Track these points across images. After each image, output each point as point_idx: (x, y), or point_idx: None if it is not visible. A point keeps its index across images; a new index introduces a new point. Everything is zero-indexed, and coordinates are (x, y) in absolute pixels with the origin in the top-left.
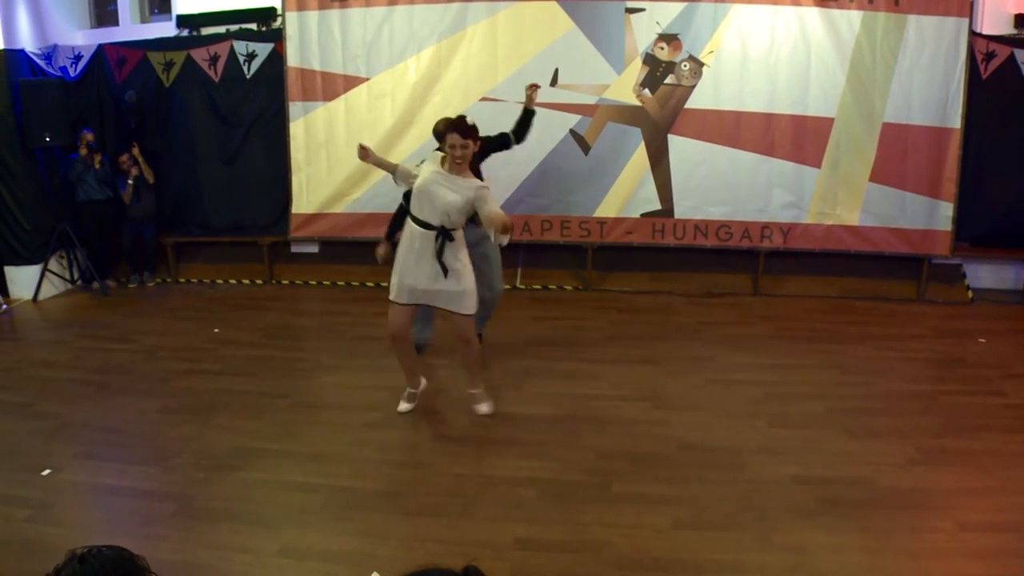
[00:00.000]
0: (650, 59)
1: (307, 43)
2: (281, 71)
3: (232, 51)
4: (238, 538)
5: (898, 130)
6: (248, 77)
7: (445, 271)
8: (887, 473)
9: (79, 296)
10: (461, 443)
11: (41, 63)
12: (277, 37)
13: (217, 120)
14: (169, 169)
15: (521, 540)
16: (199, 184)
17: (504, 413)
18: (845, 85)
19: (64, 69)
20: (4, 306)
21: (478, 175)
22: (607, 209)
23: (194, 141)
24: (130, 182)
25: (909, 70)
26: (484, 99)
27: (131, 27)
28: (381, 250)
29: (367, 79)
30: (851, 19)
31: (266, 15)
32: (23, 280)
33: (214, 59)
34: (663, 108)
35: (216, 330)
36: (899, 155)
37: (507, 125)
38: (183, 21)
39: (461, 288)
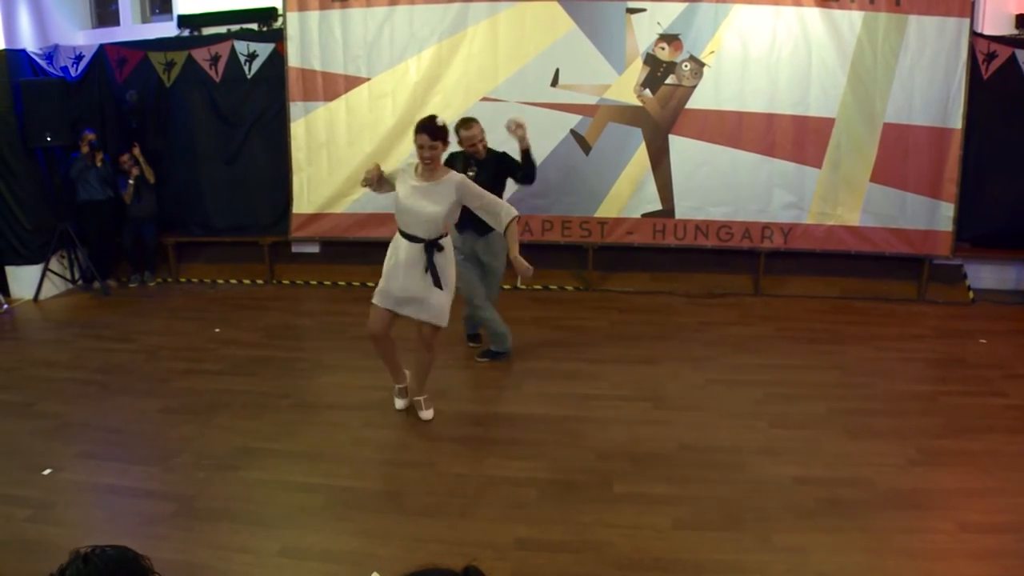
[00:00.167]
0: (651, 59)
1: (308, 43)
2: (282, 71)
3: (233, 51)
4: (238, 538)
5: (899, 130)
6: (249, 77)
7: (437, 281)
8: (887, 474)
9: (80, 296)
10: (461, 443)
11: (42, 63)
12: (278, 37)
13: (218, 120)
14: (170, 169)
15: (521, 540)
16: (200, 184)
17: (504, 413)
18: (846, 85)
19: (65, 69)
20: (5, 306)
21: (499, 193)
22: (608, 209)
23: (195, 141)
24: (131, 182)
25: (910, 70)
26: (485, 99)
27: (132, 27)
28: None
29: (368, 79)
30: (852, 19)
31: (267, 15)
32: (24, 280)
33: (215, 59)
34: (664, 108)
35: (217, 330)
36: (900, 155)
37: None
38: (184, 21)
39: (441, 301)
